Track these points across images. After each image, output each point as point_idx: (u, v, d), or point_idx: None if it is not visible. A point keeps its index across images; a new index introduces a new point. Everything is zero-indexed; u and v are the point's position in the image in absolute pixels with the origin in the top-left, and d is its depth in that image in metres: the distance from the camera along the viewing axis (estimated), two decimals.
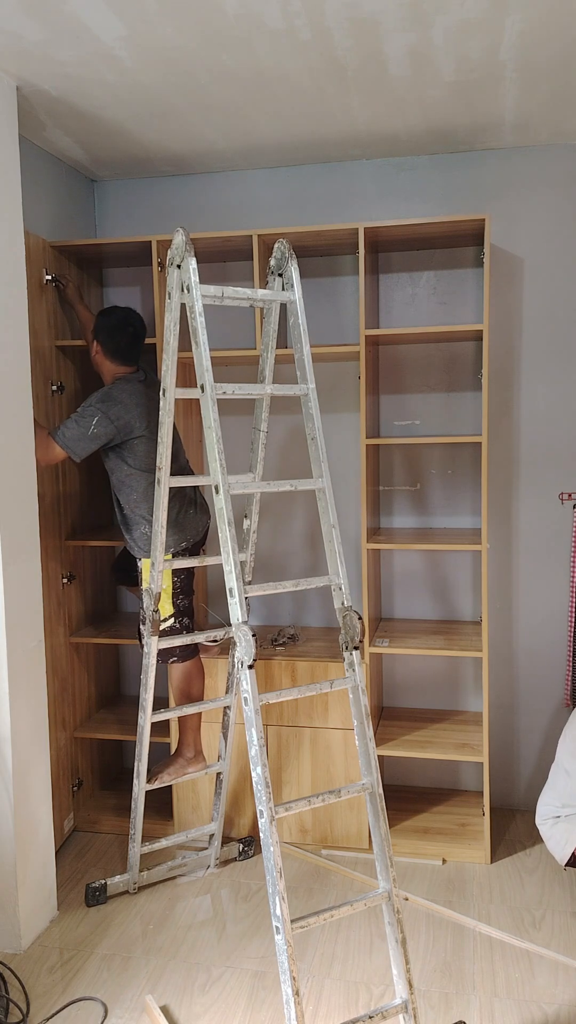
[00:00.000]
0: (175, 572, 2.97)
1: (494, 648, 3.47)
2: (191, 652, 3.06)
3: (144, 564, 2.96)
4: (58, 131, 3.07)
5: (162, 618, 2.98)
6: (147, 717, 2.84)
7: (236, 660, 2.14)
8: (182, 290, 2.47)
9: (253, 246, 3.10)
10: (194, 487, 3.09)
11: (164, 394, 2.61)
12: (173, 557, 2.94)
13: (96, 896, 2.92)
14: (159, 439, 2.65)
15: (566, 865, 2.79)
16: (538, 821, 2.91)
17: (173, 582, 2.99)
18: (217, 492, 2.19)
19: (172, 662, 3.03)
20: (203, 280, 3.44)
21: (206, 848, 3.19)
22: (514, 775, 3.53)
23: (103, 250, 3.35)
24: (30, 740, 2.70)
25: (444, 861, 3.16)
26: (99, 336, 2.99)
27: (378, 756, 2.93)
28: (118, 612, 3.79)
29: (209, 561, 2.81)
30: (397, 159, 3.41)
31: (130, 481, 2.93)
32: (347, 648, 2.32)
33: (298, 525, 3.63)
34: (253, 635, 2.10)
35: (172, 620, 3.00)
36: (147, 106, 2.85)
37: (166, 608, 2.98)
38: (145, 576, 2.95)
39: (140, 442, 2.90)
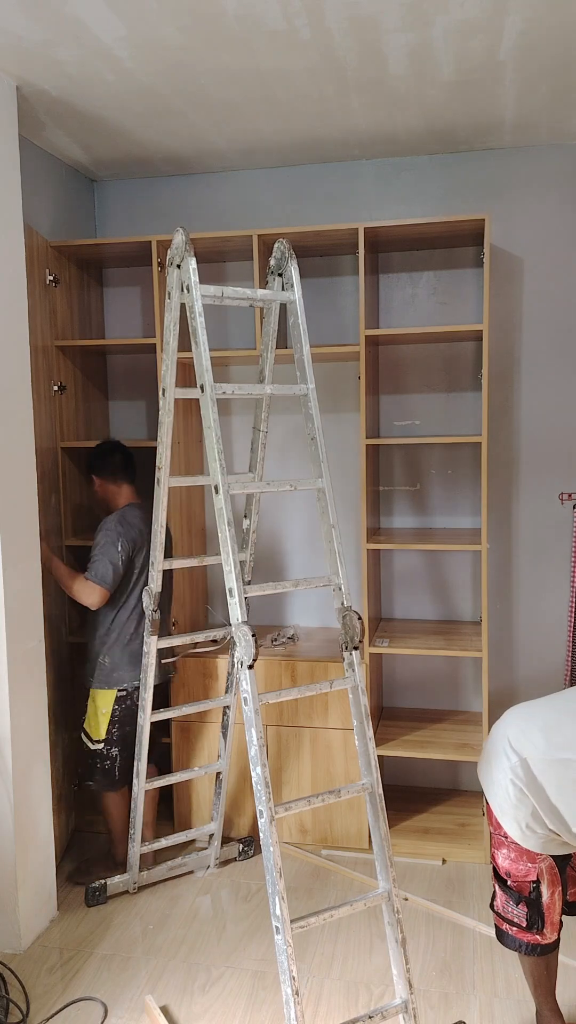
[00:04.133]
0: (117, 699, 2.97)
1: (494, 648, 3.47)
2: (112, 782, 3.01)
3: (93, 696, 2.99)
4: (58, 131, 3.07)
5: (92, 738, 2.99)
6: (147, 717, 2.84)
7: (236, 660, 2.14)
8: (182, 290, 2.47)
9: (253, 246, 3.10)
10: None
11: (164, 394, 2.61)
12: (127, 693, 2.96)
13: (96, 896, 2.92)
14: (159, 439, 2.65)
15: None
16: None
17: (113, 709, 2.97)
18: (217, 492, 2.19)
19: (88, 785, 3.02)
20: (203, 280, 3.44)
21: (206, 848, 3.18)
22: None
23: (103, 250, 3.35)
24: (30, 740, 2.70)
25: (444, 861, 3.16)
26: (94, 468, 3.11)
27: (378, 756, 2.93)
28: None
29: (209, 561, 2.82)
30: (397, 159, 3.41)
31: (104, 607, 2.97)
32: (347, 648, 2.32)
33: (298, 525, 3.63)
34: (253, 635, 2.10)
35: (101, 745, 2.98)
36: (147, 106, 2.85)
37: (97, 730, 2.98)
38: (89, 718, 3.00)
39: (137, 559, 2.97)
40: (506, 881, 2.08)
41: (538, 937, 2.06)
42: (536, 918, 2.05)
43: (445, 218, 2.96)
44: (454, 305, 3.41)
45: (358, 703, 2.30)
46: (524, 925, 2.06)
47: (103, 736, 2.97)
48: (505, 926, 2.11)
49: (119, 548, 2.90)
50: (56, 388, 3.23)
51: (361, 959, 2.62)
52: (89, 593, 2.89)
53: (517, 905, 2.06)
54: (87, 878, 3.02)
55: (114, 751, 2.98)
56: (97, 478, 3.12)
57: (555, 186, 3.29)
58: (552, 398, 3.37)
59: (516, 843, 2.02)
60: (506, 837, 2.04)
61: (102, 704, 2.97)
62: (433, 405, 3.46)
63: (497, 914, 2.13)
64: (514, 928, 2.09)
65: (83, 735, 3.03)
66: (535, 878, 2.03)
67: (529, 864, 2.03)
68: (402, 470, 3.51)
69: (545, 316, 3.35)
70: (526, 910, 2.05)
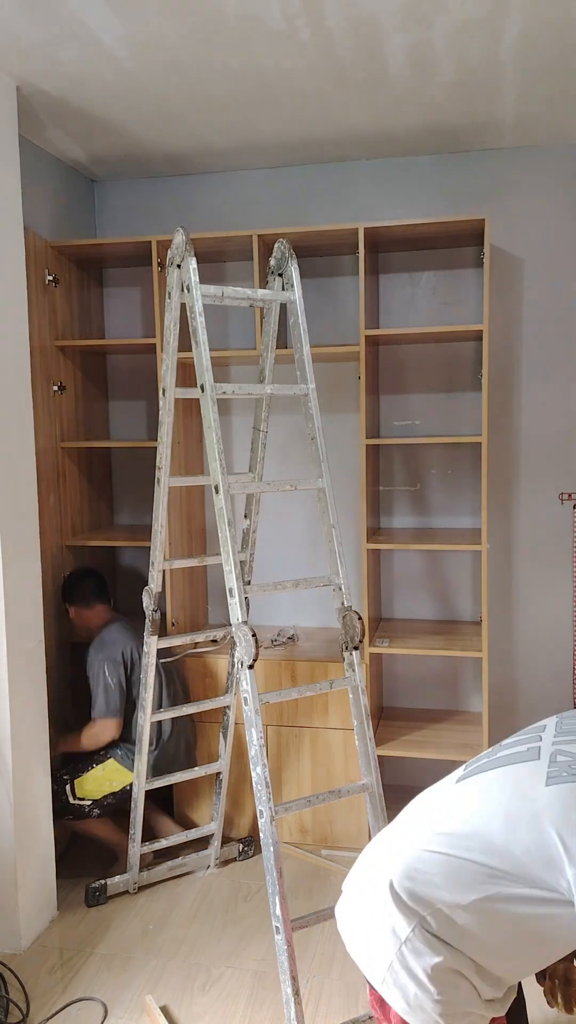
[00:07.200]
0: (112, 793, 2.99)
1: (494, 648, 3.47)
2: (84, 817, 3.00)
3: (109, 767, 2.99)
4: (58, 131, 3.07)
5: (77, 796, 2.97)
6: (147, 717, 2.85)
7: (236, 660, 2.15)
8: (182, 290, 2.47)
9: (253, 246, 3.10)
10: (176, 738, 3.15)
11: (164, 394, 2.61)
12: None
13: (96, 896, 2.92)
14: (159, 439, 2.65)
15: None
16: None
17: (124, 787, 2.99)
18: (217, 492, 2.19)
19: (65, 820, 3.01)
20: (203, 280, 3.44)
21: (206, 848, 3.18)
22: None
23: (103, 250, 3.35)
24: (30, 740, 2.70)
25: None
26: (68, 598, 3.17)
27: (378, 756, 2.93)
28: (118, 613, 3.78)
29: (209, 561, 2.82)
30: (397, 159, 3.41)
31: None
32: (347, 648, 2.32)
33: (298, 525, 3.63)
34: (253, 635, 2.11)
35: (85, 803, 2.97)
36: (147, 106, 2.85)
37: (89, 789, 2.97)
38: (86, 779, 2.98)
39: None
40: None
41: None
42: None
43: (445, 218, 2.96)
44: (454, 305, 3.41)
45: (358, 703, 2.30)
46: None
47: (96, 799, 2.98)
48: None
49: (106, 673, 2.97)
50: (56, 388, 3.23)
51: None
52: (102, 731, 2.98)
53: None
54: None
55: (95, 811, 3.00)
56: (71, 606, 3.17)
57: (555, 186, 3.30)
58: (552, 398, 3.37)
59: None
60: None
61: (115, 778, 2.99)
62: (433, 405, 3.46)
63: None
64: None
65: (66, 788, 2.97)
66: None
67: None
68: (402, 470, 3.51)
69: (545, 316, 3.35)
70: None
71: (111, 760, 3.01)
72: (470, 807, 1.51)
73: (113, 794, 3.00)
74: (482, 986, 1.45)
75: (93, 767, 3.00)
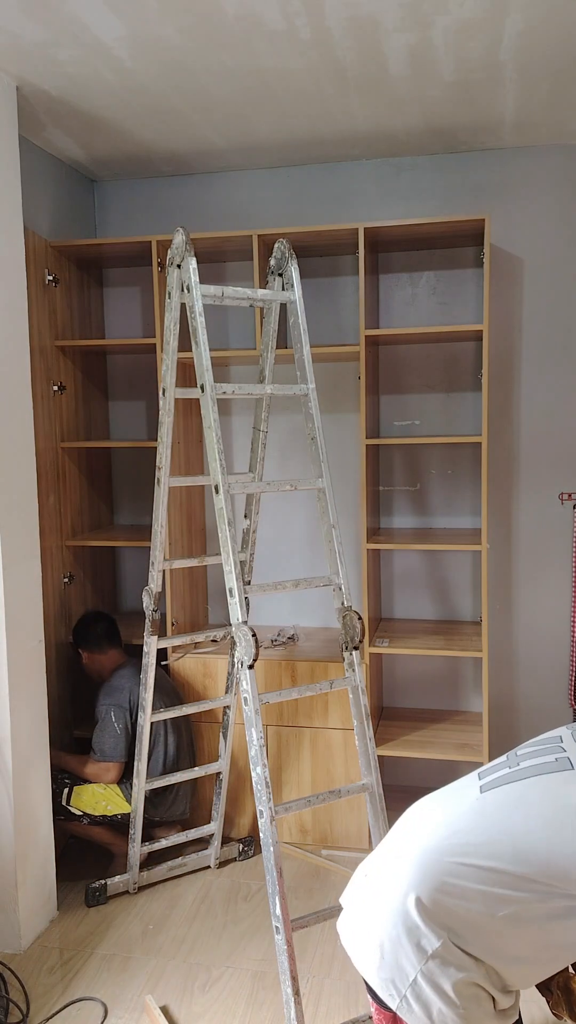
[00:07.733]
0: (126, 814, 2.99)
1: (494, 648, 3.47)
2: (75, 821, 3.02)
3: (111, 789, 2.99)
4: (58, 131, 3.07)
5: (72, 803, 2.97)
6: (147, 717, 2.85)
7: (236, 660, 2.15)
8: (182, 290, 2.47)
9: (253, 246, 3.10)
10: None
11: (164, 394, 2.61)
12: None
13: (96, 896, 2.92)
14: (159, 439, 2.65)
15: None
16: None
17: (120, 815, 2.99)
18: (217, 492, 2.19)
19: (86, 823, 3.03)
20: (203, 280, 3.45)
21: (206, 848, 3.18)
22: None
23: (103, 250, 3.35)
24: (30, 740, 2.70)
25: None
26: (80, 643, 3.17)
27: (378, 756, 2.92)
28: (118, 613, 3.79)
29: (209, 561, 2.82)
30: (397, 159, 3.41)
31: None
32: (347, 648, 2.32)
33: (298, 525, 3.63)
34: (253, 635, 2.11)
35: (80, 814, 2.98)
36: (147, 106, 2.85)
37: (86, 801, 2.97)
38: (92, 795, 2.98)
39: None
40: None
41: None
42: None
43: (445, 218, 2.96)
44: (454, 305, 3.41)
45: (358, 703, 2.30)
46: None
47: (92, 815, 2.99)
48: None
49: (113, 718, 2.98)
50: (56, 388, 3.23)
51: None
52: (104, 772, 2.99)
53: None
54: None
55: (85, 820, 3.00)
56: (84, 651, 3.17)
57: (555, 186, 3.30)
58: (552, 398, 3.37)
59: None
60: None
61: (113, 802, 2.99)
62: (433, 405, 3.47)
63: None
64: None
65: (64, 791, 2.97)
66: None
67: None
68: (402, 470, 3.51)
69: (545, 316, 3.35)
70: None
71: (116, 785, 3.02)
72: (506, 819, 1.49)
73: (106, 816, 3.00)
74: (499, 997, 1.46)
75: (95, 782, 3.01)
